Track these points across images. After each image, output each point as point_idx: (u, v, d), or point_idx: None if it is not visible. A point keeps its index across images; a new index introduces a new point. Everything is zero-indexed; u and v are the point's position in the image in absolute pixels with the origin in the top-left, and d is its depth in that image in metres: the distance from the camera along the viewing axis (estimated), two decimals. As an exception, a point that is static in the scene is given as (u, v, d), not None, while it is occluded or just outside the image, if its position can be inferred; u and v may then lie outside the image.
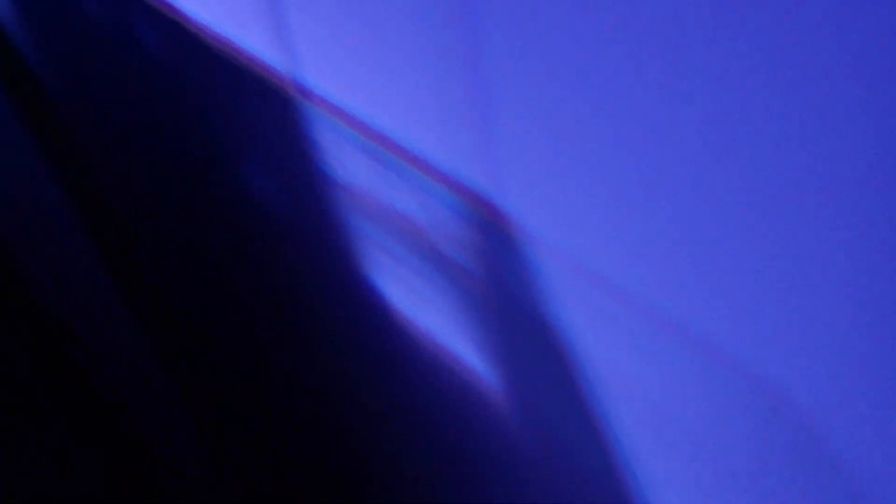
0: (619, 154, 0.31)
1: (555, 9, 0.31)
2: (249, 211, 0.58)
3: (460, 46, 0.35)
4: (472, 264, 0.44)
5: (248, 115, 0.52)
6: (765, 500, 0.36)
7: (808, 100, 0.25)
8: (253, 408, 0.65)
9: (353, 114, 0.45)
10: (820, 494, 0.34)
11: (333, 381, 0.61)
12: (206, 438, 0.58)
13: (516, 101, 0.34)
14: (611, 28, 0.29)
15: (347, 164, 0.48)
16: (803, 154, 0.27)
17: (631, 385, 0.38)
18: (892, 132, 0.24)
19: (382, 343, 0.54)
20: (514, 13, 0.32)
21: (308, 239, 0.55)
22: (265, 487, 0.64)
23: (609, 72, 0.30)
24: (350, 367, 0.59)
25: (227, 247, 0.60)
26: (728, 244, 0.30)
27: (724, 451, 0.37)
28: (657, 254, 0.33)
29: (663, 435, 0.39)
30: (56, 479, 0.55)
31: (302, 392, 0.66)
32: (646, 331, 0.36)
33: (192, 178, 0.61)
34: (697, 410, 0.36)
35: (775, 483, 0.35)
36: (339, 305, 0.55)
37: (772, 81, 0.26)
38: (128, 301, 0.53)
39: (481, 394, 0.48)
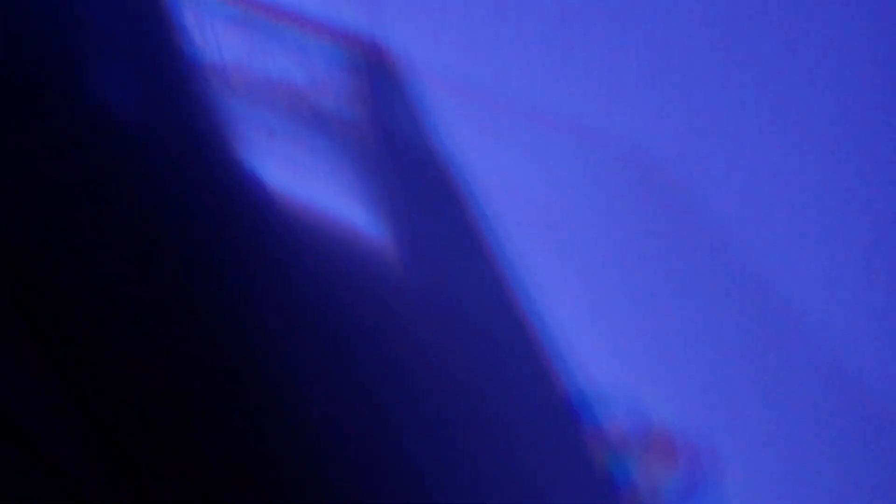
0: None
1: None
2: (110, 117, 0.55)
3: None
4: (357, 112, 0.45)
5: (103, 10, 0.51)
6: (648, 270, 0.40)
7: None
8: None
9: None
10: (688, 249, 0.39)
11: (228, 295, 0.60)
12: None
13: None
14: None
15: (217, 42, 0.48)
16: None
17: (516, 189, 0.42)
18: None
19: (272, 233, 0.53)
20: None
21: (181, 136, 0.54)
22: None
23: None
24: (242, 265, 0.57)
25: (90, 163, 0.57)
26: (593, 32, 0.35)
27: (605, 236, 0.41)
28: (526, 53, 0.37)
29: (552, 238, 0.42)
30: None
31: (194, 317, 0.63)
32: (525, 132, 0.39)
33: (43, 88, 0.57)
34: (580, 198, 0.40)
35: (654, 249, 0.39)
36: (224, 203, 0.54)
37: None
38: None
39: (376, 249, 0.49)
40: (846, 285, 0.38)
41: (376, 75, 0.42)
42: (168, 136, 0.55)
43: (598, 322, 0.44)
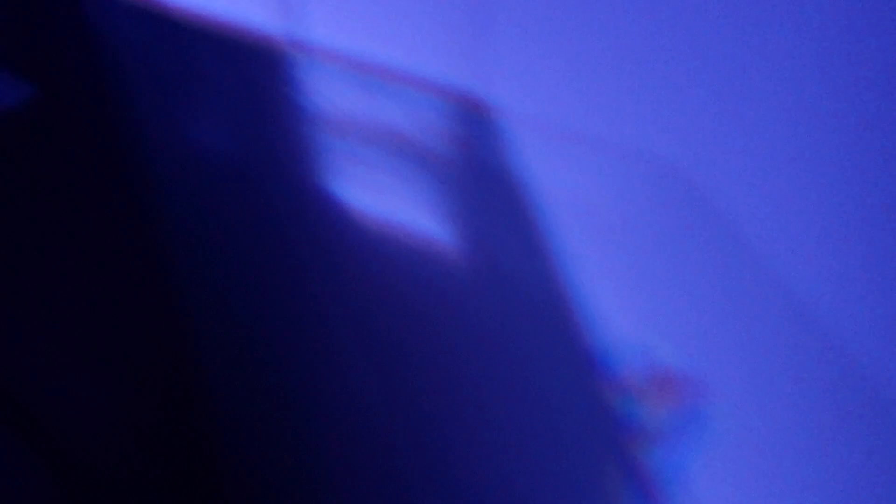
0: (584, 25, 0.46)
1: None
2: (232, 158, 0.64)
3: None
4: (443, 146, 0.55)
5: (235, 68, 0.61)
6: (660, 252, 0.51)
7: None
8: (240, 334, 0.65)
9: (340, 51, 0.56)
10: (711, 254, 0.49)
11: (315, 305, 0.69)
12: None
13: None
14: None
15: (331, 97, 0.58)
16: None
17: (568, 197, 0.52)
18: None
19: (363, 247, 0.63)
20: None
21: (289, 170, 0.64)
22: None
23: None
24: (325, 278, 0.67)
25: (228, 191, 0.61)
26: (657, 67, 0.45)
27: (631, 230, 0.51)
28: (587, 91, 0.47)
29: (594, 233, 0.53)
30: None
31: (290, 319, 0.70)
32: (592, 158, 0.50)
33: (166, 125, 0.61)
34: (617, 203, 0.50)
35: (666, 237, 0.51)
36: (314, 219, 0.63)
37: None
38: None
39: (453, 255, 0.60)
40: (827, 254, 0.49)
41: (464, 114, 0.54)
42: (276, 170, 0.64)
43: (620, 291, 0.56)
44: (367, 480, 0.71)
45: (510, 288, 0.61)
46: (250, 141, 0.65)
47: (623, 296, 0.57)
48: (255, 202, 0.67)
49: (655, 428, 0.59)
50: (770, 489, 0.57)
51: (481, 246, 0.60)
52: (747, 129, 0.47)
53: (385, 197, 0.62)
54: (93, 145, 0.50)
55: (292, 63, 0.59)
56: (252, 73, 0.61)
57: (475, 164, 0.57)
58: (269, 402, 0.69)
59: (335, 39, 0.57)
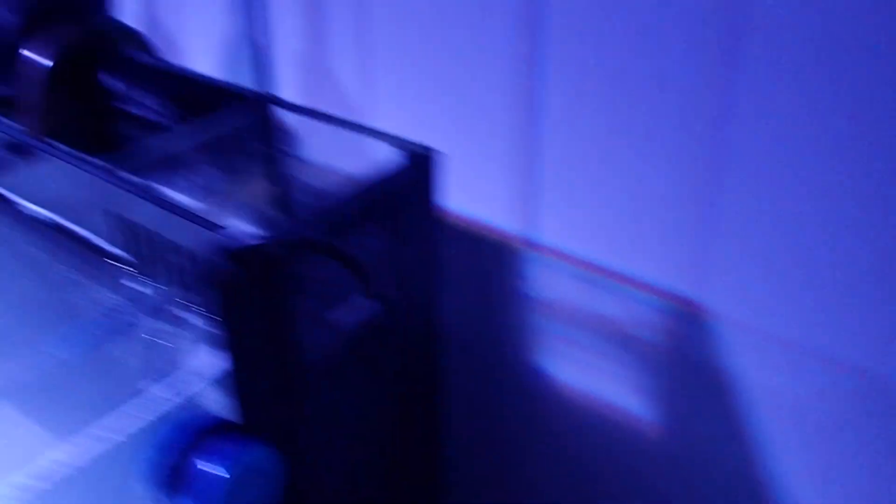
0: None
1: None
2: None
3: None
4: (654, 337, 0.62)
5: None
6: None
7: None
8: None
9: (566, 250, 0.67)
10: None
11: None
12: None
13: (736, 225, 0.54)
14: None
15: (553, 287, 0.69)
16: None
17: (789, 414, 0.58)
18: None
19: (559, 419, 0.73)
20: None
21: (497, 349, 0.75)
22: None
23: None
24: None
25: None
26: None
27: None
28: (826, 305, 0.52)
29: (810, 448, 0.58)
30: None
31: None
32: (808, 366, 0.55)
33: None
34: (835, 418, 0.55)
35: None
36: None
37: None
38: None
39: (649, 443, 0.68)
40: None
41: (676, 312, 0.60)
42: (498, 346, 0.75)
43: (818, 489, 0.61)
44: None
45: (705, 473, 0.66)
46: (479, 320, 0.76)
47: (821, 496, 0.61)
48: (476, 369, 0.78)
49: None
50: None
51: (682, 430, 0.66)
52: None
53: (594, 375, 0.70)
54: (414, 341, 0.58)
55: (523, 258, 0.71)
56: (487, 264, 0.73)
57: (683, 356, 0.63)
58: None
59: (563, 241, 0.68)
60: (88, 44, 0.68)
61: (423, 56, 0.73)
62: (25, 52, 0.66)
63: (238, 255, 0.40)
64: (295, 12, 0.84)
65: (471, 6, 0.66)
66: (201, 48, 0.89)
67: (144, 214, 0.47)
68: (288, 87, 0.88)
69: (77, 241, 0.55)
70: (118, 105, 0.70)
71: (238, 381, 0.41)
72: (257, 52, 0.81)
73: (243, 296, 0.40)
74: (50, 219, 0.57)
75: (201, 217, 0.43)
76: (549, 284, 0.72)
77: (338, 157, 0.56)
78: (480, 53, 0.68)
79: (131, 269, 0.51)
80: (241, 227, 0.41)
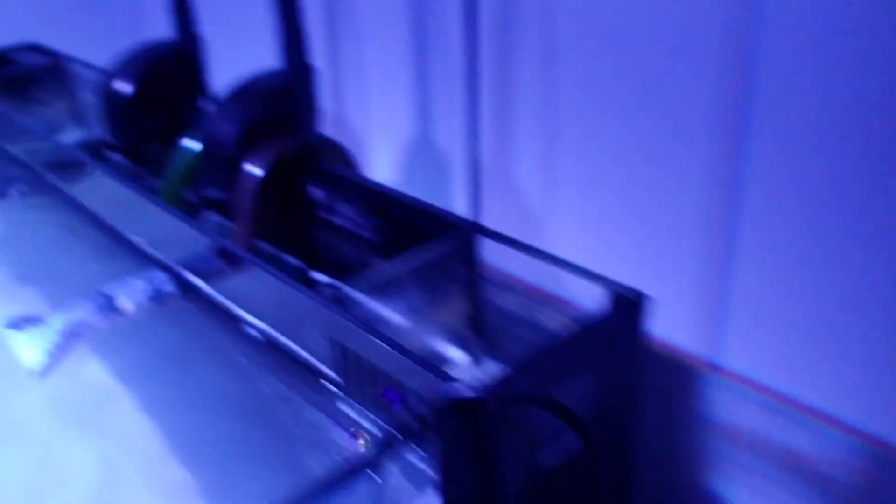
0: None
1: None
2: None
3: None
4: (842, 476, 0.61)
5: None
6: None
7: None
8: None
9: (760, 381, 0.65)
10: None
11: None
12: None
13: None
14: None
15: (734, 412, 0.68)
16: None
17: None
18: None
19: None
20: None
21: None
22: None
23: None
24: None
25: None
26: None
27: None
28: None
29: None
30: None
31: None
32: None
33: None
34: None
35: None
36: None
37: None
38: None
39: None
40: None
41: (867, 452, 0.59)
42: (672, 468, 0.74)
43: None
44: None
45: None
46: (658, 440, 0.75)
47: None
48: (653, 489, 0.77)
49: None
50: None
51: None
52: None
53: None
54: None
55: (707, 381, 0.70)
56: (670, 385, 0.72)
57: (874, 499, 0.60)
58: None
59: (750, 368, 0.67)
60: (297, 157, 0.73)
61: (612, 177, 0.74)
62: (244, 164, 0.71)
63: (461, 406, 0.41)
64: (484, 124, 0.87)
65: (663, 134, 0.67)
66: (384, 148, 0.93)
67: (363, 344, 0.49)
68: (464, 195, 0.91)
69: (287, 355, 0.59)
70: (321, 214, 0.74)
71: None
72: (438, 157, 0.84)
73: (461, 444, 0.41)
74: (265, 331, 0.61)
75: (429, 361, 0.44)
76: (732, 410, 0.70)
77: (542, 285, 0.57)
78: (672, 178, 0.69)
79: (342, 391, 0.53)
80: (464, 379, 0.42)
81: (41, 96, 1.15)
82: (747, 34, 0.58)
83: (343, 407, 0.53)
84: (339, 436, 0.53)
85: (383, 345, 0.47)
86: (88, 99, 1.14)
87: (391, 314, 0.55)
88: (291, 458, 0.52)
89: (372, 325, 0.49)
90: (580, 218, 0.79)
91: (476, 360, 0.61)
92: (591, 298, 0.57)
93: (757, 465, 0.69)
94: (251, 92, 0.73)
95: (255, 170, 0.71)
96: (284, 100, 0.74)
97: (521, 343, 0.60)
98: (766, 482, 0.68)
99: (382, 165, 0.93)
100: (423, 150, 0.95)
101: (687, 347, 0.71)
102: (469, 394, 0.41)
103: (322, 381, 0.55)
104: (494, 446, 0.43)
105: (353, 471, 0.41)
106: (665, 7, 0.63)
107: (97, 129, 1.13)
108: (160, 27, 1.35)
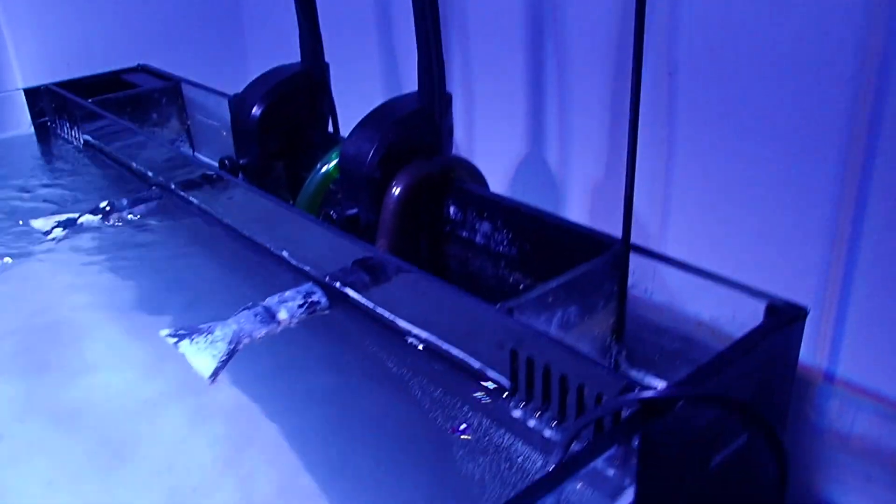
0: None
1: None
2: None
3: None
4: None
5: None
6: None
7: None
8: None
9: (866, 387, 0.68)
10: None
11: None
12: None
13: None
14: None
15: (850, 422, 0.70)
16: None
17: None
18: None
19: None
20: None
21: None
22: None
23: None
24: None
25: None
26: None
27: None
28: None
29: None
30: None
31: None
32: None
33: None
34: None
35: None
36: None
37: None
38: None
39: None
40: None
41: None
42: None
43: None
44: None
45: None
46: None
47: None
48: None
49: None
50: None
51: None
52: None
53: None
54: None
55: (820, 389, 0.72)
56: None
57: None
58: None
59: (865, 378, 0.69)
60: (436, 177, 0.77)
61: (729, 189, 0.77)
62: (385, 183, 0.76)
63: (653, 409, 0.45)
64: (594, 143, 0.91)
65: (781, 150, 0.70)
66: (497, 165, 0.98)
67: (540, 349, 0.53)
68: (578, 210, 0.95)
69: (447, 362, 0.63)
70: (457, 231, 0.78)
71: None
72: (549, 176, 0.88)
73: (653, 448, 0.45)
74: (425, 338, 0.65)
75: (604, 366, 0.48)
76: (846, 419, 0.72)
77: (688, 301, 0.61)
78: (791, 189, 0.71)
79: (512, 398, 0.57)
80: (652, 384, 0.46)
81: (154, 116, 1.21)
82: (879, 52, 0.62)
83: (515, 413, 0.57)
84: (510, 441, 0.56)
85: (564, 349, 0.51)
86: (200, 119, 1.20)
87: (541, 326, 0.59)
88: (458, 464, 0.56)
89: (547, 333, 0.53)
90: (695, 232, 0.82)
91: (616, 368, 0.65)
92: (730, 318, 0.60)
93: (871, 472, 0.71)
94: (388, 115, 0.78)
95: (396, 188, 0.75)
96: (420, 122, 0.78)
97: (663, 355, 0.64)
98: (880, 489, 0.71)
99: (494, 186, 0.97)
100: (533, 169, 0.99)
101: (802, 358, 0.73)
102: (658, 395, 0.45)
103: (487, 386, 0.59)
104: (681, 446, 0.47)
105: (544, 479, 0.44)
106: (793, 21, 0.66)
107: (209, 149, 1.19)
108: (262, 48, 1.41)
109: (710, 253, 0.81)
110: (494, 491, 0.54)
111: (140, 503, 0.54)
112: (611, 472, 0.48)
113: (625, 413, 0.48)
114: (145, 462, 0.57)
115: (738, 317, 0.57)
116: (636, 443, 0.45)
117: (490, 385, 0.59)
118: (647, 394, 0.44)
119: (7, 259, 0.82)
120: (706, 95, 0.77)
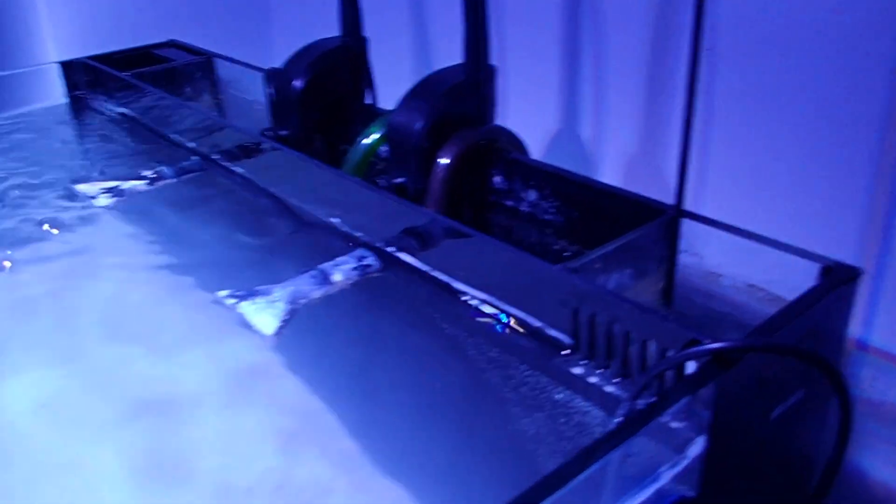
0: None
1: None
2: None
3: None
4: None
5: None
6: None
7: None
8: None
9: None
10: None
11: None
12: None
13: None
14: None
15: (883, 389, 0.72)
16: None
17: None
18: None
19: None
20: None
21: None
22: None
23: None
24: None
25: None
26: None
27: None
28: None
29: None
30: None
31: None
32: None
33: None
34: None
35: None
36: None
37: None
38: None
39: None
40: None
41: None
42: None
43: None
44: None
45: None
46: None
47: None
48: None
49: None
50: None
51: None
52: None
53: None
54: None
55: (853, 357, 0.74)
56: None
57: None
58: None
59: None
60: (480, 146, 0.79)
61: (768, 161, 0.79)
62: (434, 152, 0.77)
63: (724, 360, 0.47)
64: (630, 118, 0.92)
65: (820, 125, 0.72)
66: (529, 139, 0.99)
67: (604, 306, 0.55)
68: (610, 176, 0.96)
69: (501, 322, 0.65)
70: (499, 199, 0.80)
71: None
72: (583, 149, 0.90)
73: (725, 400, 0.47)
74: (484, 298, 0.67)
75: (671, 320, 0.50)
76: (878, 387, 0.75)
77: (738, 265, 0.63)
78: (828, 161, 0.73)
79: (573, 353, 0.59)
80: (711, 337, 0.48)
81: (187, 90, 1.22)
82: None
83: (576, 370, 0.59)
84: (569, 397, 0.58)
85: (630, 305, 0.53)
86: (233, 94, 1.21)
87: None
88: (513, 421, 0.57)
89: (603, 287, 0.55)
90: (729, 203, 0.84)
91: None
92: (780, 281, 0.62)
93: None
94: (436, 86, 0.80)
95: (443, 158, 0.77)
96: (466, 94, 0.80)
97: (713, 318, 0.66)
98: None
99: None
100: (566, 143, 1.00)
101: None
102: (730, 345, 0.47)
103: (548, 346, 0.61)
104: (749, 398, 0.49)
105: (616, 430, 0.46)
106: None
107: (241, 123, 1.20)
108: (287, 23, 1.42)
109: (747, 222, 0.83)
110: (550, 445, 0.56)
111: (187, 461, 0.55)
112: (675, 424, 0.50)
113: (690, 367, 0.50)
114: (190, 419, 0.59)
115: (791, 279, 0.59)
116: (708, 394, 0.47)
117: (549, 343, 0.61)
118: (718, 345, 0.46)
119: (6, 263, 0.82)
120: (744, 69, 0.79)
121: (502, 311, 0.65)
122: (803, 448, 0.58)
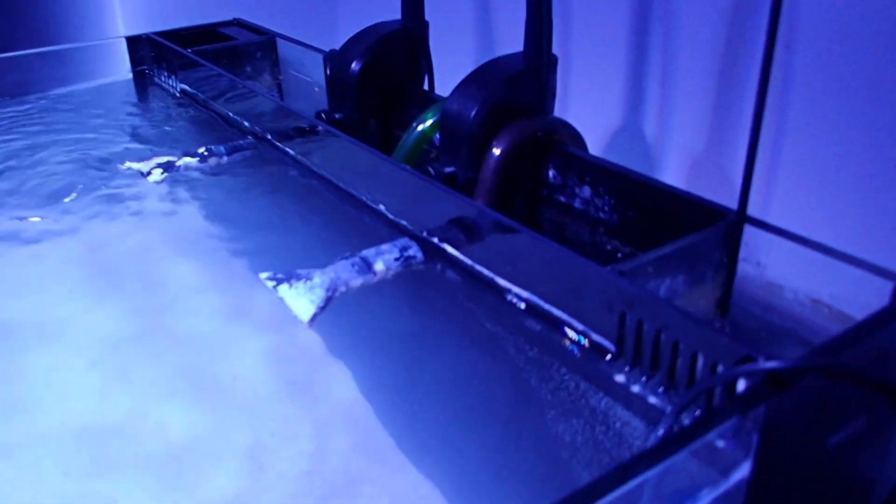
0: None
1: None
2: None
3: None
4: None
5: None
6: None
7: None
8: None
9: None
10: None
11: None
12: None
13: None
14: None
15: None
16: None
17: None
18: None
19: None
20: None
21: None
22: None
23: None
24: None
25: None
26: None
27: None
28: None
29: None
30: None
31: None
32: None
33: None
34: None
35: None
36: None
37: None
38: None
39: None
40: None
41: None
42: None
43: None
44: None
45: None
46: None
47: None
48: None
49: None
50: None
51: None
52: None
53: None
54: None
55: None
56: None
57: None
58: None
59: None
60: (536, 138, 0.76)
61: (832, 167, 0.74)
62: (488, 141, 0.75)
63: (778, 381, 0.43)
64: (696, 116, 0.88)
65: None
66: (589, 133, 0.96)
67: (654, 315, 0.52)
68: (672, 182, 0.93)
69: (548, 323, 0.62)
70: (552, 193, 0.77)
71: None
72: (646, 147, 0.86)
73: (776, 423, 0.43)
74: (527, 298, 0.64)
75: (723, 334, 0.47)
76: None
77: (803, 278, 0.59)
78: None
79: (617, 360, 0.56)
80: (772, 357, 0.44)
81: (248, 70, 1.22)
82: None
83: (618, 378, 0.56)
84: (609, 406, 0.55)
85: (680, 315, 0.49)
86: (293, 74, 1.21)
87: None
88: (548, 425, 0.55)
89: (655, 296, 0.52)
90: (795, 211, 0.80)
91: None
92: (849, 298, 0.58)
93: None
94: (494, 74, 0.77)
95: (498, 147, 0.74)
96: (525, 83, 0.77)
97: (771, 333, 0.62)
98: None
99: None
100: (628, 139, 0.96)
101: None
102: (786, 365, 0.43)
103: (591, 350, 0.58)
104: (802, 423, 0.45)
105: (659, 447, 0.43)
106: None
107: (300, 104, 1.19)
108: (352, 5, 1.41)
109: (815, 232, 0.78)
110: (586, 454, 0.53)
111: (221, 441, 0.54)
112: (721, 444, 0.47)
113: (742, 385, 0.46)
114: (226, 399, 0.58)
115: (859, 296, 0.55)
116: (758, 416, 0.43)
117: (591, 348, 0.58)
118: (773, 364, 0.43)
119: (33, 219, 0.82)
120: (823, 69, 0.74)
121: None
122: (862, 481, 0.53)
